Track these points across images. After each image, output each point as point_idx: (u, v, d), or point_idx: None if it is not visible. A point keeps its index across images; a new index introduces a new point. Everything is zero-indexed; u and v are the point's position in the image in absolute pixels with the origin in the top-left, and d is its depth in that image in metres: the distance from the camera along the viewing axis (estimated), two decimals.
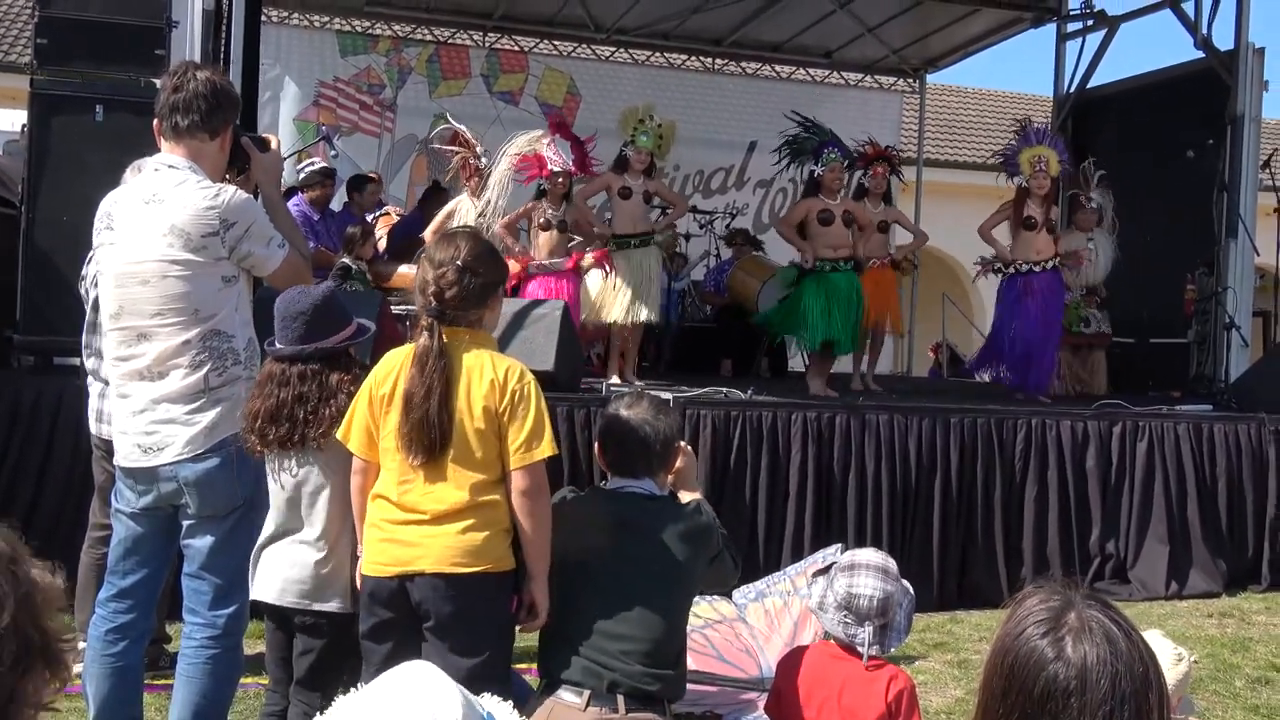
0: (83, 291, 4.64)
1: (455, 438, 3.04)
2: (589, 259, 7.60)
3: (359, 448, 3.16)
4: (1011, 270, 8.33)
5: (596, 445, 3.46)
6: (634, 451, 3.27)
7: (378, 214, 9.97)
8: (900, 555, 6.59)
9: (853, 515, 6.71)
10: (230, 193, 3.47)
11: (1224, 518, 7.40)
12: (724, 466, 6.51)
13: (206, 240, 3.41)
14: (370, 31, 12.96)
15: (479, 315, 3.16)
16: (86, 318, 4.57)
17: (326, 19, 12.88)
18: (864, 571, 3.13)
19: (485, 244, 3.26)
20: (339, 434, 3.19)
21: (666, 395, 6.54)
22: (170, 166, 3.51)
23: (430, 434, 3.01)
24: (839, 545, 4.85)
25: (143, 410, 3.47)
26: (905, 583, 3.21)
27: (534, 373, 5.96)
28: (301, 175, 9.25)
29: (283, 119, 12.37)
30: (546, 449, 3.07)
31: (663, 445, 3.30)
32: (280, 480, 3.34)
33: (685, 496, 3.39)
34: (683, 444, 3.44)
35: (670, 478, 3.38)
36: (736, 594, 4.75)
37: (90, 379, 4.50)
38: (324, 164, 9.45)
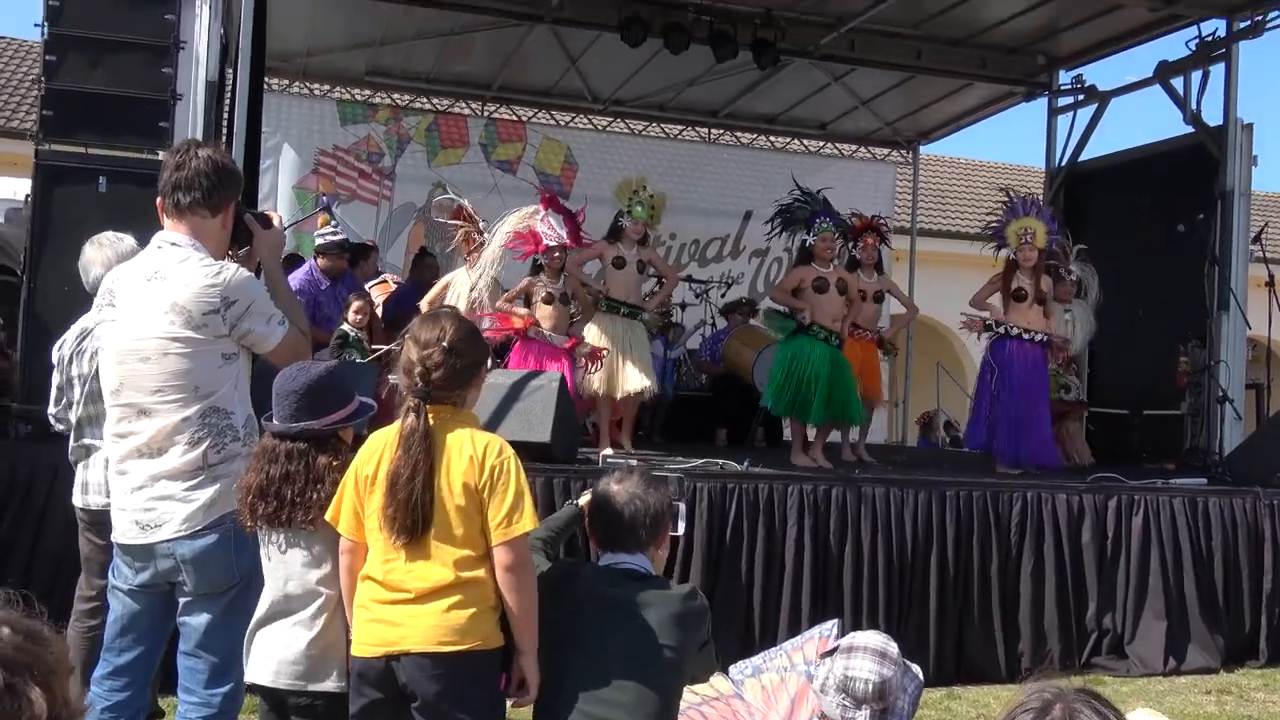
0: (55, 359, 4.60)
1: (437, 515, 3.04)
2: (586, 348, 7.63)
3: (347, 528, 3.17)
4: (1002, 330, 8.29)
5: (586, 520, 3.45)
6: (622, 527, 3.27)
7: (375, 282, 10.02)
8: (897, 629, 6.58)
9: (849, 589, 6.68)
10: (231, 271, 3.50)
11: (1220, 592, 7.38)
12: (720, 539, 6.49)
13: (208, 318, 3.43)
14: (370, 101, 13.12)
15: (462, 394, 3.18)
16: (56, 382, 4.55)
17: (327, 88, 13.03)
18: (861, 654, 3.11)
19: (469, 325, 3.28)
20: (328, 516, 3.19)
21: (667, 471, 6.56)
22: (173, 244, 3.54)
23: (414, 514, 3.01)
24: (836, 620, 4.83)
25: (141, 487, 3.46)
26: (914, 667, 3.17)
27: (530, 445, 6.14)
28: (319, 241, 9.28)
29: (282, 186, 12.49)
30: (528, 522, 3.07)
31: (653, 520, 3.29)
32: (272, 558, 3.33)
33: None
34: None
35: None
36: (733, 669, 4.72)
37: (70, 449, 4.50)
38: (343, 237, 9.51)
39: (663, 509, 3.34)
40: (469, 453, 3.07)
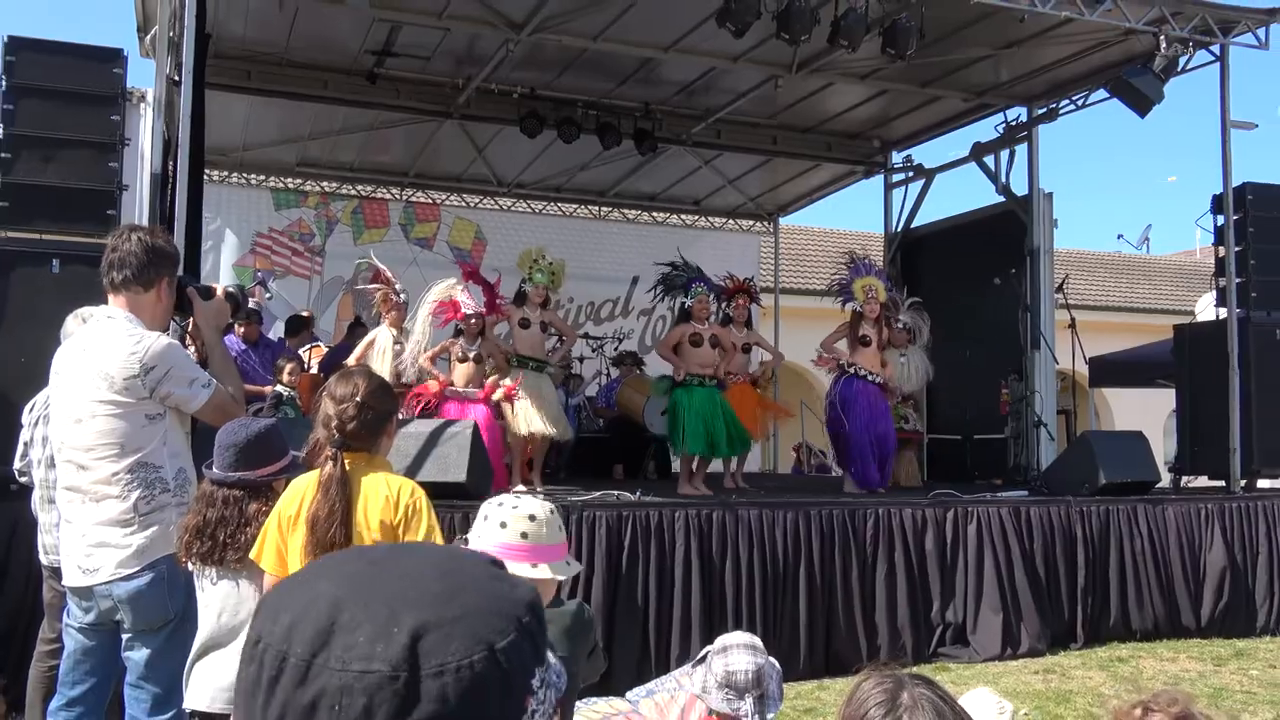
0: (25, 419, 4.55)
1: None
2: (500, 392, 7.55)
3: (270, 565, 3.07)
4: (852, 370, 8.43)
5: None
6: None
7: (308, 346, 9.85)
8: (772, 631, 6.59)
9: (730, 598, 6.67)
10: (151, 339, 3.38)
11: (1045, 586, 7.53)
12: (617, 561, 6.44)
13: (129, 383, 3.33)
14: (301, 188, 12.93)
15: (376, 442, 3.12)
16: (23, 438, 4.51)
17: (262, 177, 12.80)
18: (736, 650, 3.11)
19: (379, 380, 3.23)
20: (252, 554, 3.10)
21: (540, 495, 6.53)
22: (109, 318, 3.45)
23: (332, 552, 2.92)
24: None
25: (84, 534, 3.35)
26: (771, 658, 3.20)
27: (448, 484, 6.04)
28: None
29: (223, 265, 12.23)
30: None
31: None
32: (205, 592, 3.24)
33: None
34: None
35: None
36: (629, 693, 4.67)
37: (33, 503, 4.40)
38: (252, 306, 9.34)
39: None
40: (384, 493, 3.02)
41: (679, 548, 6.57)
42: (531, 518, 2.63)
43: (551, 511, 2.70)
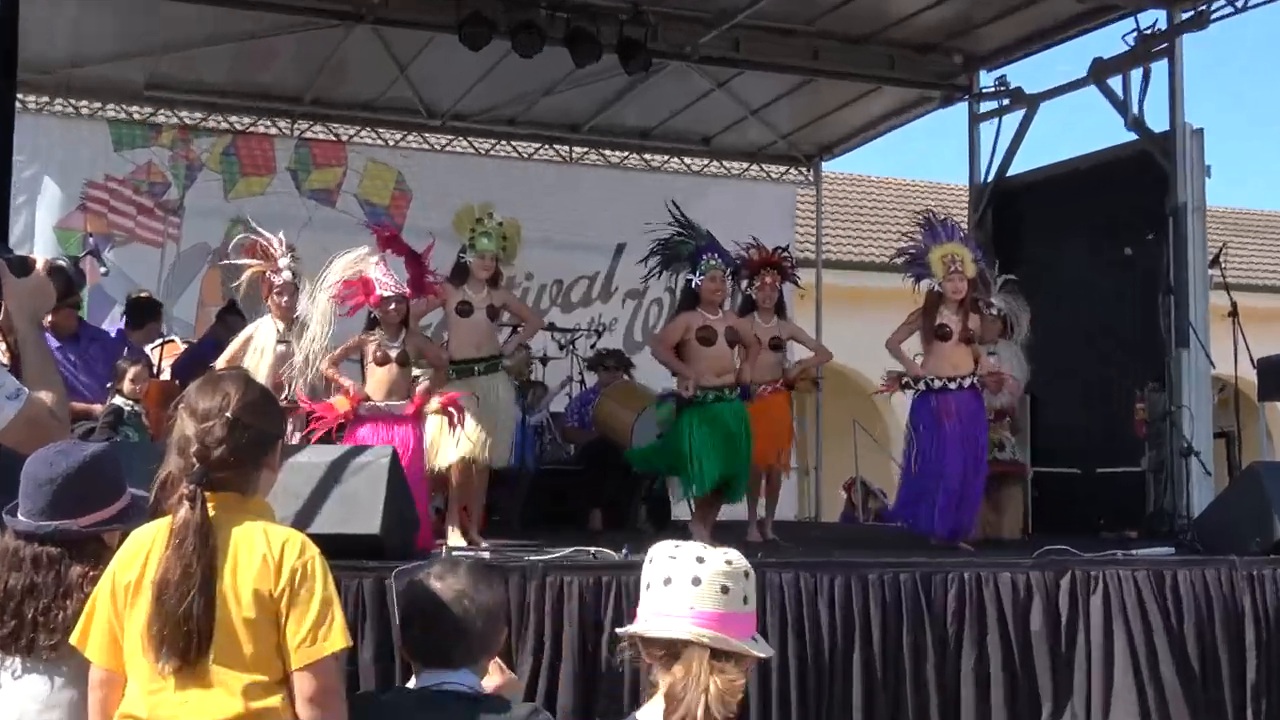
0: None
1: (219, 633, 2.92)
2: (435, 403, 7.45)
3: (99, 654, 3.01)
4: (923, 385, 8.36)
5: (399, 628, 3.38)
6: (447, 635, 3.20)
7: (159, 342, 9.77)
8: None
9: (755, 697, 6.59)
10: None
11: (1200, 680, 7.44)
12: (594, 646, 6.34)
13: None
14: (151, 120, 12.92)
15: (252, 478, 3.10)
16: None
17: (98, 105, 12.76)
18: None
19: (258, 390, 3.23)
20: (74, 639, 3.04)
21: (488, 556, 6.53)
22: None
23: (187, 631, 2.88)
24: None
25: None
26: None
27: (356, 538, 5.93)
28: None
29: (40, 227, 12.22)
30: (338, 640, 2.99)
31: (484, 625, 3.25)
32: (4, 686, 3.20)
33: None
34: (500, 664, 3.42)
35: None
36: None
37: None
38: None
39: (497, 610, 3.32)
40: (261, 551, 2.98)
41: None
42: (747, 574, 2.92)
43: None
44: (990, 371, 8.68)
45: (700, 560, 2.85)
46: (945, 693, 6.96)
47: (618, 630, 2.99)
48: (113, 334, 9.88)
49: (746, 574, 2.92)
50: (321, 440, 7.25)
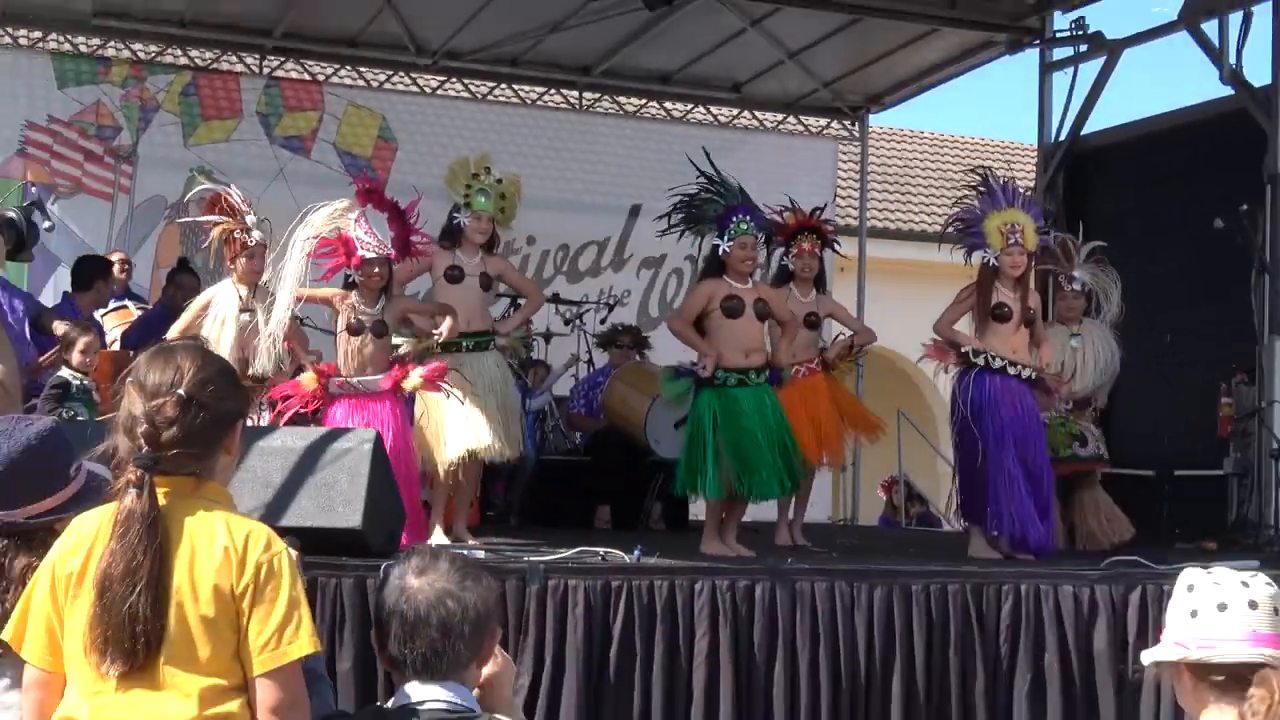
0: None
1: (172, 631, 2.93)
2: (416, 377, 7.50)
3: (35, 653, 3.04)
4: (982, 361, 8.23)
5: (374, 634, 3.29)
6: (430, 642, 3.11)
7: (110, 308, 9.86)
8: None
9: (782, 718, 6.70)
10: None
11: None
12: (601, 659, 6.46)
13: None
14: (100, 53, 12.93)
15: (208, 462, 3.10)
16: None
17: (38, 35, 12.83)
18: None
19: (217, 362, 3.23)
20: (7, 635, 3.08)
21: (481, 556, 6.54)
22: None
23: (134, 630, 2.90)
24: None
25: None
26: None
27: (335, 532, 6.06)
28: None
29: None
30: (305, 644, 2.99)
31: (473, 627, 3.14)
32: None
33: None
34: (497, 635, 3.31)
35: (476, 691, 3.23)
36: None
37: None
38: None
39: (486, 609, 3.20)
40: (223, 544, 2.99)
41: (701, 638, 6.59)
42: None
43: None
44: (1049, 374, 8.61)
45: (1245, 585, 3.13)
46: (995, 715, 7.06)
47: (1155, 657, 3.23)
48: (58, 302, 9.91)
49: None
50: (295, 421, 7.35)
